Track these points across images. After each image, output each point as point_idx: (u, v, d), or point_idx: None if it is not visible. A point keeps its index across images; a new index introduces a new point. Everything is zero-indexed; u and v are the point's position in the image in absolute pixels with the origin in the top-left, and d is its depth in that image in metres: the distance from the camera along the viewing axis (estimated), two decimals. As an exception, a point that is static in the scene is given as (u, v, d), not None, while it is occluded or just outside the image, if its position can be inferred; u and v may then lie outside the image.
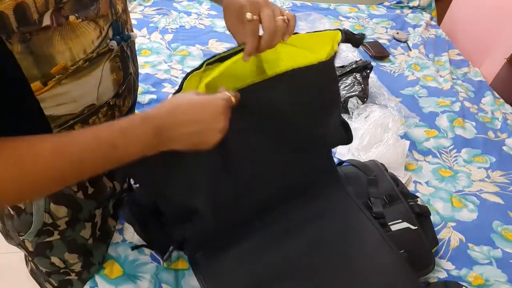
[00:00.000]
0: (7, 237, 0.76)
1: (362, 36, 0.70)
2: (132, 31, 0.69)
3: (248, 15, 0.57)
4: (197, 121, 0.51)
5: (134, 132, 0.49)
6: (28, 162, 0.44)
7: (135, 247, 0.85)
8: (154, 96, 1.37)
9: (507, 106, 1.54)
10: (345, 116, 1.32)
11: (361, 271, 0.74)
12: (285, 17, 0.59)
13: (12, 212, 0.68)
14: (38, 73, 0.51)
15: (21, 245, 0.75)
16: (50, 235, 0.72)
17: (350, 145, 1.20)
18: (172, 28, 1.76)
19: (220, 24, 1.82)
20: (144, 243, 0.84)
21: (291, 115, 0.68)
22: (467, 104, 1.51)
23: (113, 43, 0.60)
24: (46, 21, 0.48)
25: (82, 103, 0.59)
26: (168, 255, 0.74)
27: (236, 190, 0.69)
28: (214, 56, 0.62)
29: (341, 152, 1.22)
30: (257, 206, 0.74)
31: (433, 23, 2.06)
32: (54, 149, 0.46)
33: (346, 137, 0.83)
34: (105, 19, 0.57)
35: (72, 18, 0.51)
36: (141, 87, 1.39)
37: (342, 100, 1.34)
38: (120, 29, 0.62)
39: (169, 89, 1.43)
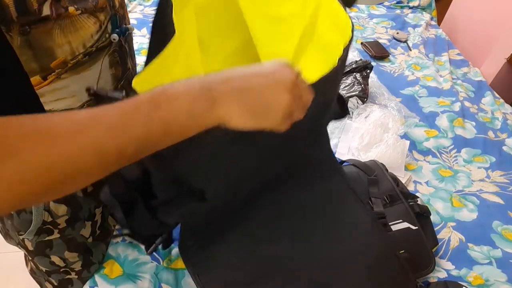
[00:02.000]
0: (7, 236, 0.76)
1: None
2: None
3: None
4: (253, 75, 0.40)
5: (177, 88, 0.38)
6: (62, 130, 0.36)
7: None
8: (154, 96, 1.37)
9: (507, 106, 1.54)
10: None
11: (354, 261, 0.72)
12: None
13: (11, 211, 0.68)
14: (37, 67, 0.51)
15: (21, 244, 0.75)
16: (50, 234, 0.72)
17: (350, 145, 1.21)
18: (172, 28, 1.76)
19: (220, 24, 1.82)
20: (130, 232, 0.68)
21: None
22: (467, 104, 1.51)
23: (115, 36, 0.60)
24: (46, 10, 0.48)
25: (81, 98, 0.59)
26: (154, 248, 0.71)
27: (239, 176, 0.65)
28: None
29: (341, 152, 1.22)
30: (252, 193, 0.71)
31: (433, 23, 2.06)
32: (88, 116, 0.36)
33: (341, 111, 0.76)
34: (105, 12, 0.58)
35: (71, 9, 0.51)
36: (141, 86, 1.39)
37: (342, 100, 1.34)
38: (118, 23, 0.63)
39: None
